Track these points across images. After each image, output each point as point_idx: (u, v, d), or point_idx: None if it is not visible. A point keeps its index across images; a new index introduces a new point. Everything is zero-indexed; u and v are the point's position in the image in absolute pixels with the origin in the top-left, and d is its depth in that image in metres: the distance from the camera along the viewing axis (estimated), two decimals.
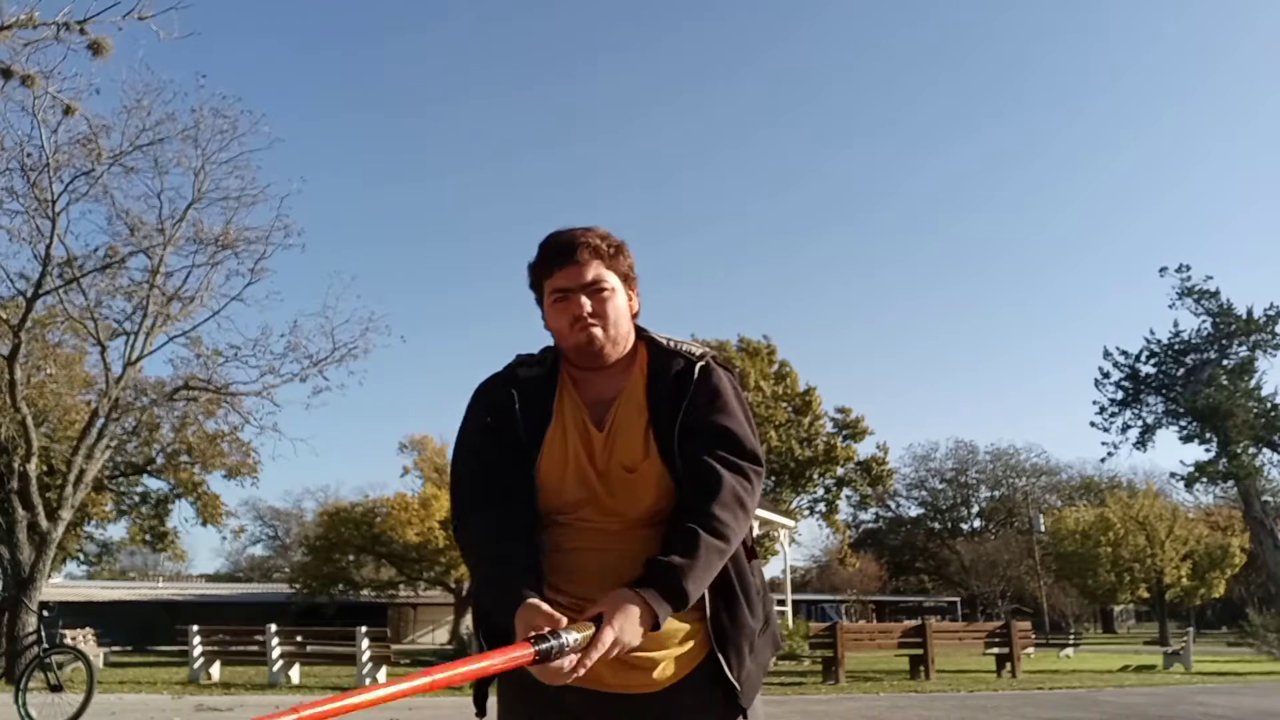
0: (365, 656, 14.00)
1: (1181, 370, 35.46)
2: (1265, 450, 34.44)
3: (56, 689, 8.31)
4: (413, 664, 19.99)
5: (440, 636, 41.08)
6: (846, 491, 41.52)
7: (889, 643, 16.57)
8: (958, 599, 54.38)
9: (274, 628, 14.97)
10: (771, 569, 37.56)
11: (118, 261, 16.07)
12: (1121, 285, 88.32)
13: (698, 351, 1.74)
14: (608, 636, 1.40)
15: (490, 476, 1.66)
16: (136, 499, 29.73)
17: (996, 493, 58.38)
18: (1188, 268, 34.94)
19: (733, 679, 1.59)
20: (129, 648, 30.91)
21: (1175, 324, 37.29)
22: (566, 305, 1.70)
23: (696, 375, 1.69)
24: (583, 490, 1.65)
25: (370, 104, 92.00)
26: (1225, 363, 34.46)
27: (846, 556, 43.23)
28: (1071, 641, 31.83)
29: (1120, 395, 36.55)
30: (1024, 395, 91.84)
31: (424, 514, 29.21)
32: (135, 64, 19.60)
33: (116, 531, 32.59)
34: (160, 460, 25.40)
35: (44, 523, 14.62)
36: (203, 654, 15.26)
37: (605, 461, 1.65)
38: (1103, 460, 43.98)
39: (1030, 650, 20.50)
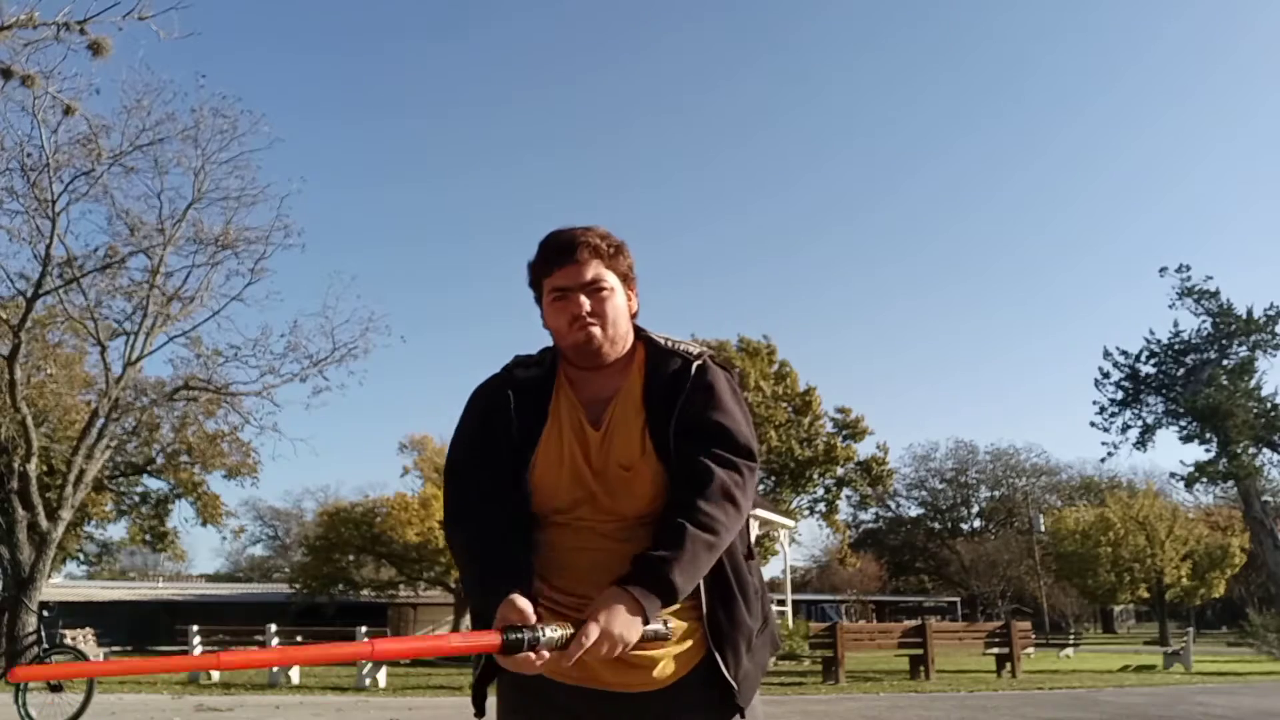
0: None
1: (1181, 370, 35.44)
2: (1265, 450, 34.43)
3: (56, 689, 8.30)
4: (413, 664, 19.98)
5: None
6: (846, 491, 41.54)
7: (889, 643, 16.57)
8: (958, 599, 54.37)
9: (274, 628, 15.00)
10: (771, 569, 37.56)
11: (118, 261, 16.08)
12: (1121, 285, 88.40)
13: (695, 351, 1.74)
14: (591, 631, 1.42)
15: (483, 478, 1.66)
16: (136, 499, 29.75)
17: (996, 493, 58.38)
18: (1188, 268, 34.95)
19: (730, 678, 1.59)
20: (129, 648, 30.89)
21: (1175, 324, 37.30)
22: (565, 304, 1.71)
23: (693, 374, 1.69)
24: (580, 490, 1.65)
25: (370, 105, 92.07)
26: (1225, 363, 34.45)
27: (846, 556, 43.23)
28: (1071, 641, 31.83)
29: (1120, 395, 36.55)
30: (1024, 395, 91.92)
31: (424, 514, 29.19)
32: (135, 64, 19.61)
33: (116, 531, 32.66)
34: (160, 460, 25.41)
35: (44, 523, 14.63)
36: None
37: (602, 461, 1.65)
38: (1103, 460, 43.94)
39: (1030, 650, 20.50)
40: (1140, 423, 36.19)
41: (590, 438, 1.68)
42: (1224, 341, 34.66)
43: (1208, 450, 33.83)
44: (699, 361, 1.72)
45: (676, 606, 1.58)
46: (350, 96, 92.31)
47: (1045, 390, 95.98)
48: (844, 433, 39.08)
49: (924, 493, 58.67)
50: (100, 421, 15.68)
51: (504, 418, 1.70)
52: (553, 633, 1.42)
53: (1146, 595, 41.72)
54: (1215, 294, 34.58)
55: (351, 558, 33.12)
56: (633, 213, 79.99)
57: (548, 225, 1.76)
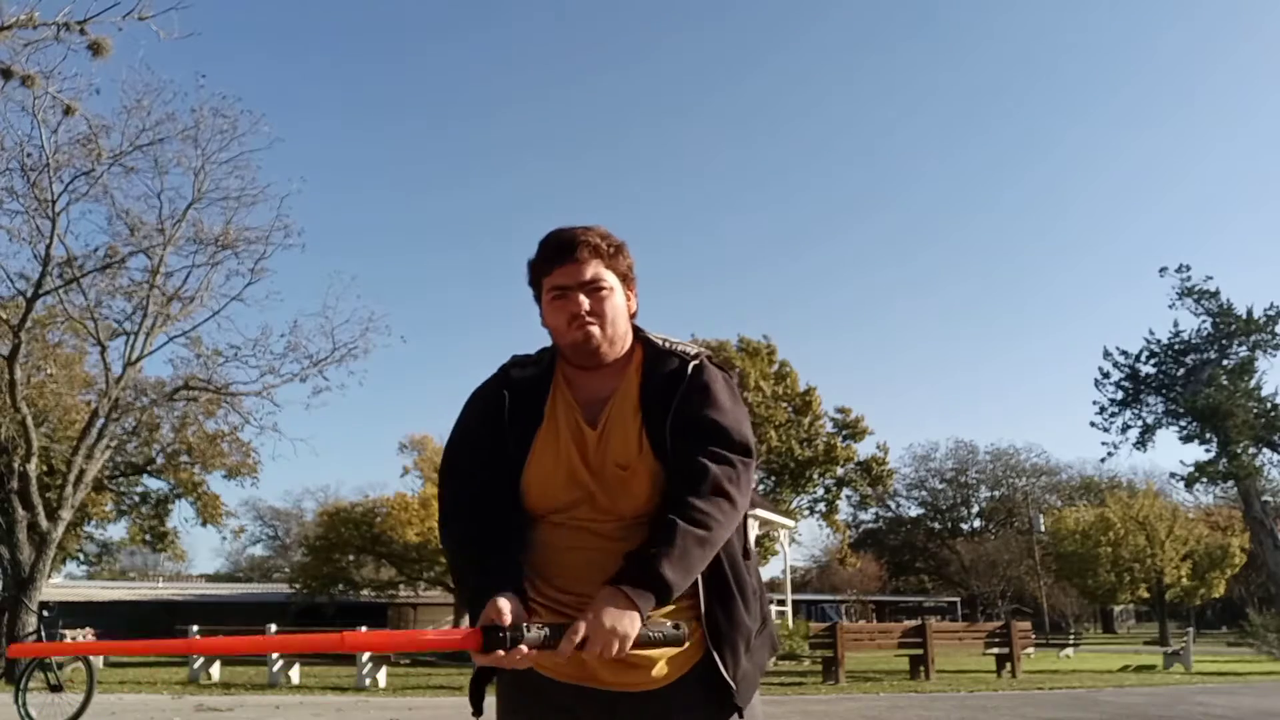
0: (365, 656, 14.00)
1: (1181, 370, 35.43)
2: (1265, 450, 34.41)
3: (56, 689, 8.31)
4: (413, 664, 19.98)
5: None
6: (846, 491, 41.54)
7: (889, 643, 16.57)
8: (958, 599, 54.37)
9: (274, 628, 15.00)
10: (771, 569, 37.58)
11: (118, 261, 16.07)
12: (1121, 285, 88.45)
13: (692, 351, 1.75)
14: (580, 629, 1.43)
15: (477, 480, 1.67)
16: (136, 499, 29.73)
17: (996, 493, 58.38)
18: (1188, 268, 34.95)
19: (728, 678, 1.59)
20: None
21: (1175, 324, 37.32)
22: (565, 303, 1.71)
23: (689, 374, 1.69)
24: (576, 490, 1.65)
25: (370, 106, 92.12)
26: (1225, 363, 34.44)
27: (846, 556, 43.23)
28: (1071, 641, 31.82)
29: (1120, 395, 36.54)
30: (1024, 395, 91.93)
31: (424, 514, 29.18)
32: (135, 64, 19.64)
33: (116, 531, 32.62)
34: (160, 460, 25.39)
35: (44, 523, 14.63)
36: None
37: (599, 461, 1.65)
38: (1103, 460, 43.97)
39: (1030, 650, 20.50)
40: (1140, 423, 36.23)
41: (588, 437, 1.68)
42: (1224, 341, 34.66)
43: (1208, 450, 33.86)
44: (695, 362, 1.72)
45: (673, 607, 1.58)
46: (350, 96, 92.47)
47: (1045, 390, 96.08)
48: (844, 433, 39.08)
49: (924, 493, 58.70)
50: (100, 421, 15.67)
51: (499, 418, 1.70)
52: (537, 631, 1.43)
53: (1146, 595, 41.71)
54: (1215, 294, 34.61)
55: (351, 558, 33.12)
56: (633, 213, 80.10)
57: (548, 226, 1.77)
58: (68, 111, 13.35)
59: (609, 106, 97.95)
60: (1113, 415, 36.50)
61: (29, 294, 14.84)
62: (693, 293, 78.49)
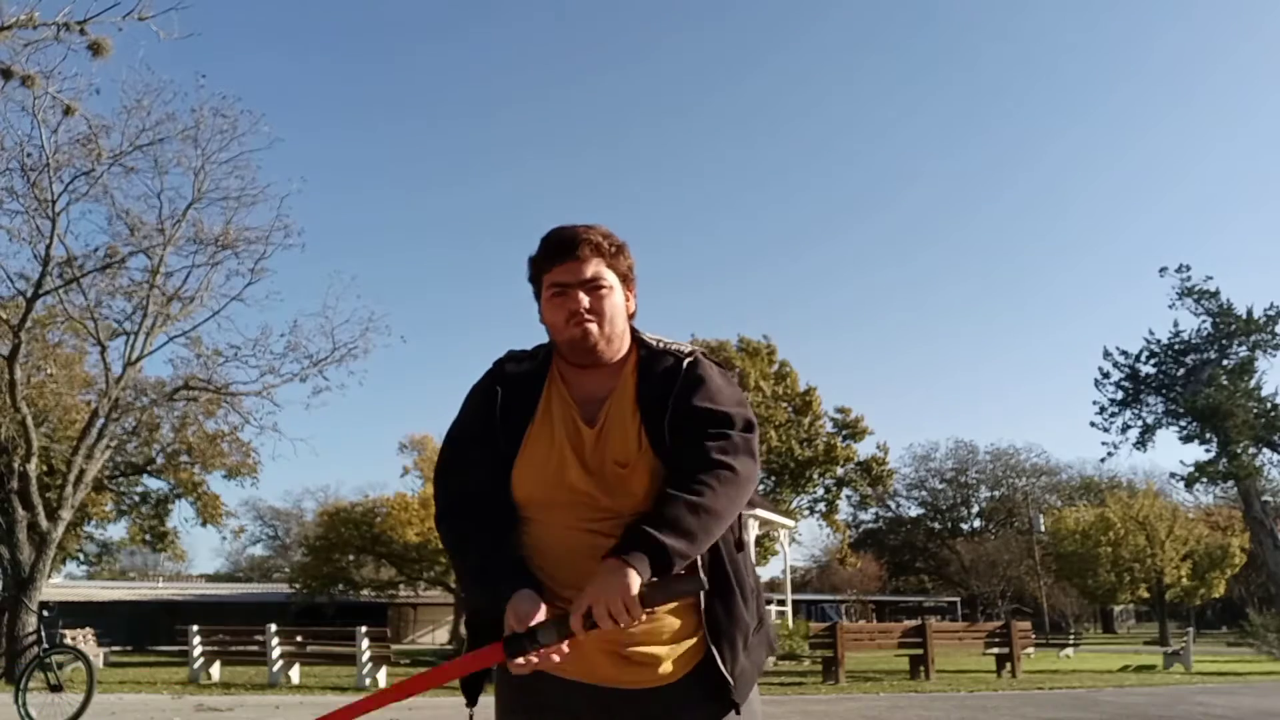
0: (365, 657, 14.01)
1: (1181, 370, 35.43)
2: (1265, 450, 34.40)
3: (56, 689, 8.31)
4: (413, 664, 19.99)
5: (440, 636, 41.09)
6: (846, 491, 41.56)
7: (889, 643, 16.58)
8: (958, 599, 54.38)
9: (274, 628, 14.98)
10: (771, 569, 37.60)
11: (118, 261, 16.07)
12: (1121, 285, 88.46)
13: (687, 349, 1.76)
14: (580, 604, 1.45)
15: (473, 476, 1.67)
16: (136, 499, 29.73)
17: (996, 493, 58.38)
18: (1188, 268, 34.91)
19: (725, 673, 1.59)
20: (129, 648, 30.92)
21: (1175, 324, 37.28)
22: (564, 300, 1.71)
23: (684, 369, 1.70)
24: (565, 488, 1.64)
25: (370, 106, 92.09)
26: (1225, 363, 34.42)
27: (846, 556, 43.24)
28: (1071, 641, 31.84)
29: (1120, 395, 36.53)
30: (1024, 395, 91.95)
31: (424, 514, 29.17)
32: (135, 64, 19.62)
33: (116, 531, 32.63)
34: (160, 460, 25.39)
35: (44, 523, 14.62)
36: (203, 654, 15.27)
37: (598, 459, 1.65)
38: (1103, 460, 43.96)
39: (1030, 650, 20.51)
40: (1140, 423, 36.21)
41: (585, 436, 1.68)
42: (1224, 341, 34.64)
43: (1208, 450, 33.85)
44: (690, 358, 1.73)
45: (679, 605, 1.59)
46: (350, 97, 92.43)
47: (1045, 390, 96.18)
48: (844, 433, 39.10)
49: (924, 493, 58.71)
50: (100, 421, 15.67)
51: (492, 413, 1.70)
52: (552, 625, 1.44)
53: (1146, 595, 41.73)
54: (1215, 294, 34.59)
55: (351, 558, 33.14)
56: (633, 213, 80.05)
57: (548, 226, 1.77)
58: (68, 111, 13.34)
59: (609, 106, 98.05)
60: (1113, 415, 36.51)
61: (29, 294, 14.83)
62: (693, 293, 78.56)
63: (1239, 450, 32.43)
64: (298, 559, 40.65)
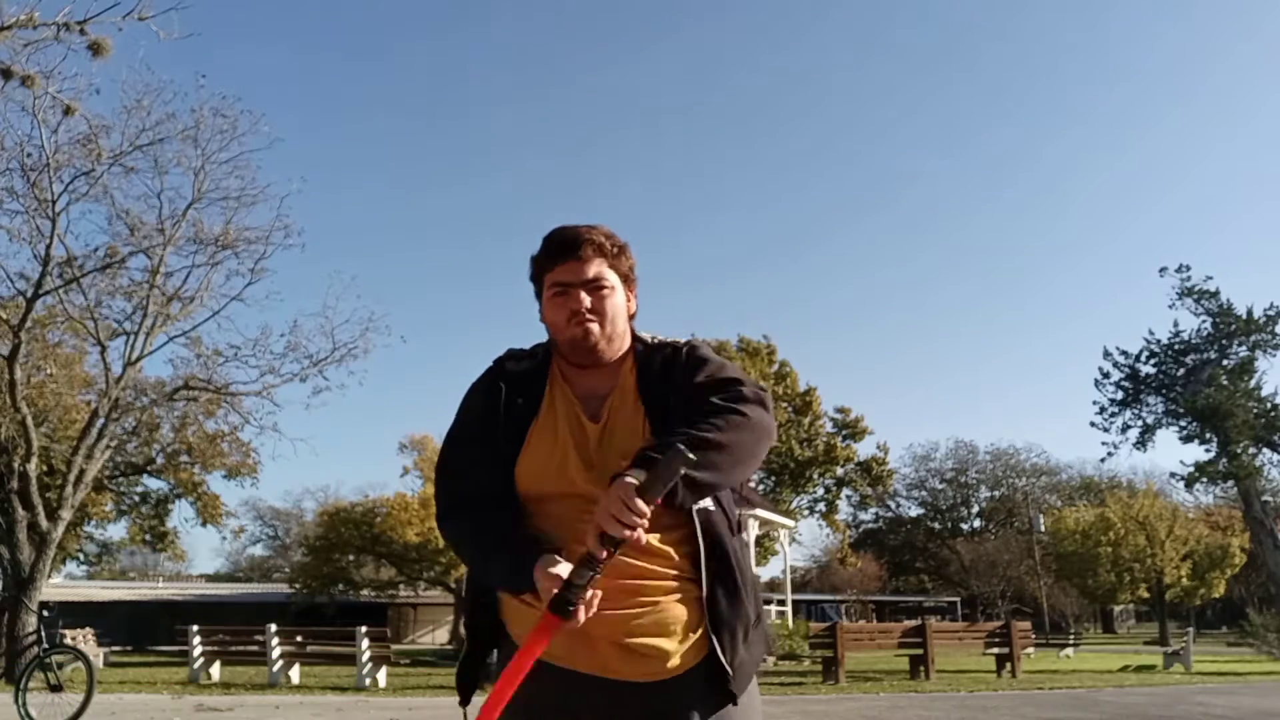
0: (365, 656, 14.00)
1: (1181, 370, 35.43)
2: (1265, 450, 34.41)
3: (56, 689, 8.31)
4: (413, 664, 20.00)
5: (440, 636, 41.10)
6: (846, 491, 41.60)
7: (889, 643, 16.59)
8: (958, 599, 54.36)
9: (274, 628, 14.98)
10: (771, 569, 37.61)
11: (118, 261, 16.07)
12: (1121, 285, 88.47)
13: (683, 340, 1.78)
14: (592, 527, 1.45)
15: (476, 474, 1.67)
16: (136, 499, 29.73)
17: (996, 493, 58.38)
18: (1188, 268, 34.93)
19: (725, 663, 1.59)
20: (129, 648, 30.90)
21: (1175, 324, 37.30)
22: (565, 300, 1.71)
23: (684, 354, 1.72)
24: (576, 482, 1.64)
25: (370, 105, 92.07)
26: (1225, 363, 34.43)
27: (846, 556, 43.26)
28: (1071, 641, 31.84)
29: (1120, 395, 36.53)
30: (1024, 395, 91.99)
31: (424, 514, 29.19)
32: (135, 64, 19.62)
33: (116, 531, 32.64)
34: (160, 460, 25.39)
35: (44, 523, 14.62)
36: (203, 654, 15.27)
37: (603, 455, 1.65)
38: (1103, 460, 43.98)
39: (1030, 650, 20.51)
40: (1140, 423, 36.21)
41: (589, 432, 1.68)
42: (1224, 341, 34.65)
43: (1208, 450, 33.86)
44: (687, 345, 1.75)
45: (675, 584, 1.60)
46: (350, 96, 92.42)
47: (1045, 391, 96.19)
48: (844, 433, 39.12)
49: (924, 493, 58.70)
50: (100, 421, 15.67)
51: (495, 409, 1.70)
52: (581, 570, 1.45)
53: (1146, 595, 41.72)
54: (1215, 294, 34.59)
55: (351, 558, 33.14)
56: (633, 214, 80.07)
57: (547, 226, 1.77)
58: (68, 111, 13.34)
59: (609, 106, 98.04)
60: (1113, 415, 36.52)
61: (29, 294, 14.84)
62: (693, 293, 78.55)
63: (1239, 450, 32.44)
64: (298, 559, 40.64)
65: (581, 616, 1.45)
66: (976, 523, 59.01)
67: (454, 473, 1.71)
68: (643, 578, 1.59)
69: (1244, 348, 34.35)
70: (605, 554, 1.45)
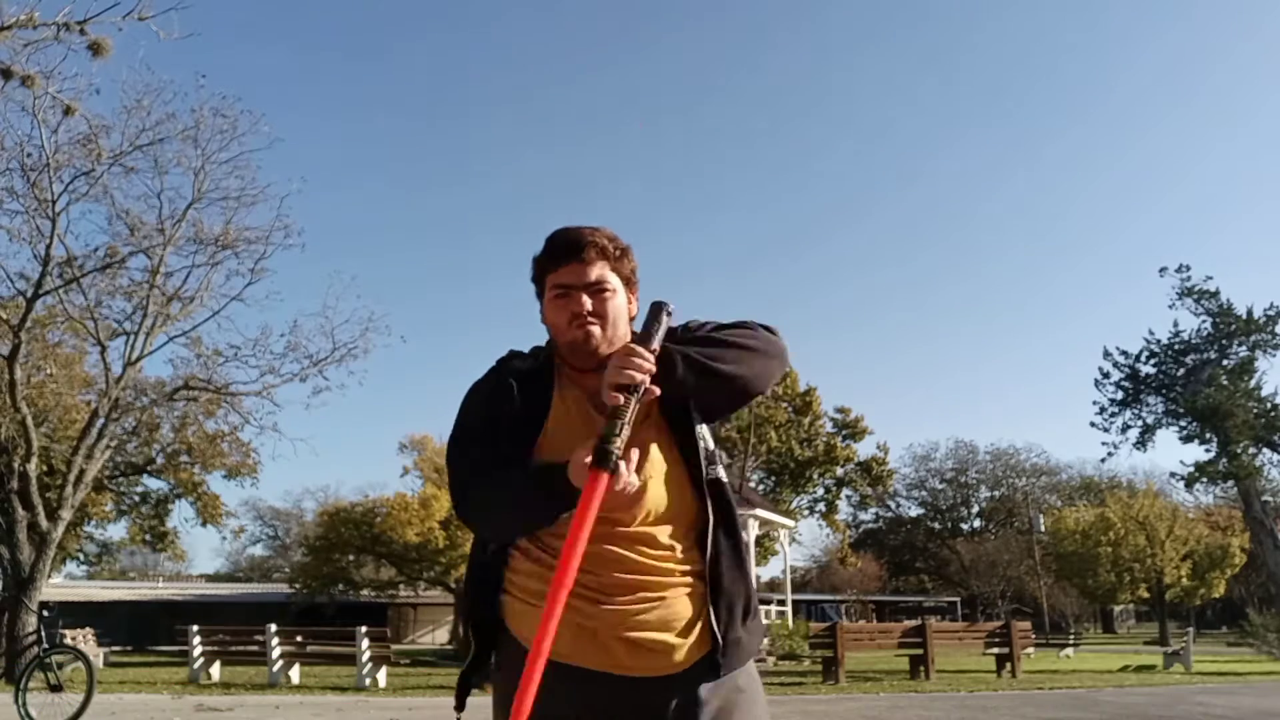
0: (365, 656, 14.00)
1: (1181, 370, 35.43)
2: (1265, 450, 34.41)
3: (56, 689, 8.31)
4: (413, 664, 20.00)
5: (440, 636, 41.09)
6: (846, 491, 41.65)
7: (889, 643, 16.59)
8: (958, 599, 54.37)
9: (274, 628, 14.98)
10: (771, 569, 37.64)
11: (118, 261, 16.07)
12: (1121, 285, 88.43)
13: (676, 326, 1.80)
14: (604, 388, 1.53)
15: (493, 459, 1.66)
16: (136, 499, 29.73)
17: (996, 493, 58.39)
18: (1188, 268, 34.91)
19: (716, 632, 1.61)
20: (129, 648, 30.91)
21: (1175, 324, 37.28)
22: (567, 302, 1.71)
23: (680, 330, 1.74)
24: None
25: (370, 105, 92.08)
26: (1225, 363, 34.43)
27: (846, 556, 43.28)
28: (1071, 641, 31.85)
29: (1120, 395, 36.53)
30: (1024, 395, 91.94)
31: (424, 514, 29.18)
32: (135, 64, 19.63)
33: (116, 531, 32.64)
34: (160, 460, 25.39)
35: (44, 523, 14.62)
36: (203, 654, 15.27)
37: None
38: (1103, 460, 43.87)
39: (1030, 650, 20.52)
40: (1140, 423, 36.21)
41: (599, 425, 1.68)
42: (1224, 341, 34.64)
43: (1208, 450, 33.85)
44: (682, 325, 1.77)
45: (682, 566, 1.62)
46: (350, 96, 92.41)
47: (1045, 391, 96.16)
48: (844, 433, 39.15)
49: (924, 493, 58.72)
50: (100, 421, 15.67)
51: (509, 404, 1.69)
52: (607, 429, 1.47)
53: (1146, 595, 41.72)
54: (1215, 294, 34.59)
55: (351, 558, 33.10)
56: (633, 213, 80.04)
57: (548, 226, 1.77)
58: (68, 111, 13.34)
59: (609, 106, 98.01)
60: (1113, 415, 36.52)
61: (29, 294, 14.84)
62: (693, 292, 78.52)
63: (1239, 450, 32.44)
64: (298, 559, 40.61)
65: (624, 472, 1.47)
66: (976, 523, 59.05)
67: (469, 461, 1.70)
68: (649, 573, 1.60)
69: (1244, 348, 34.36)
70: (624, 400, 1.49)
